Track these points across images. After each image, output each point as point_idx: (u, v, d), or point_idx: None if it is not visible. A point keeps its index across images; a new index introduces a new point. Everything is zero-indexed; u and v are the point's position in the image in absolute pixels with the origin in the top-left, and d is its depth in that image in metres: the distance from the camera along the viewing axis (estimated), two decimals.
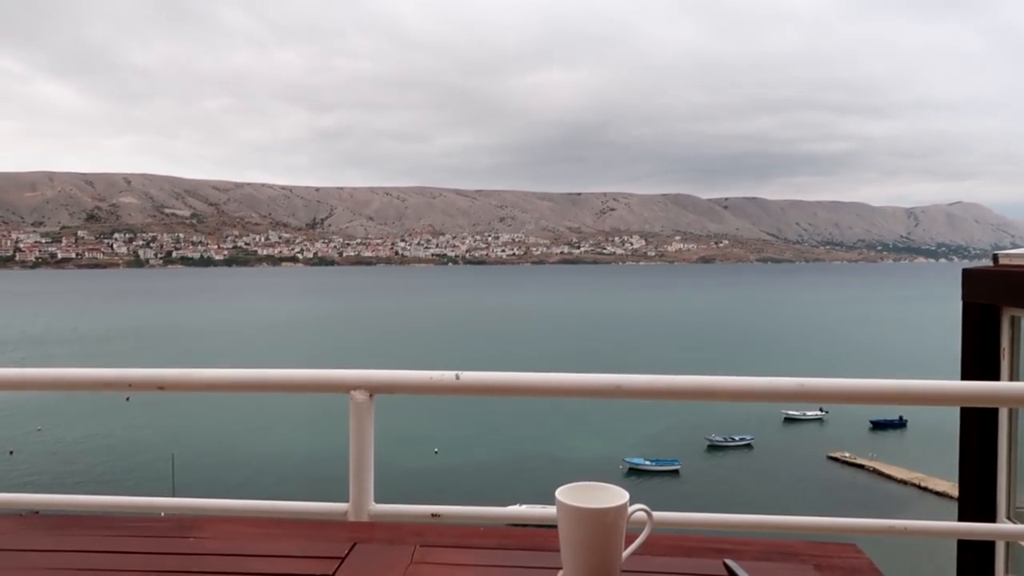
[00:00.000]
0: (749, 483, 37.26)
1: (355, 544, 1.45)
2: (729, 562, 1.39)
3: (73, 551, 1.43)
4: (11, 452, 40.20)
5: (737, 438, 44.76)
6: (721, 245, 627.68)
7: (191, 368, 2.20)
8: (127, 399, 49.13)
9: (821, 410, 50.91)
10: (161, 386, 2.17)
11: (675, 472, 39.56)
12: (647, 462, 40.08)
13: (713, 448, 43.94)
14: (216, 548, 1.44)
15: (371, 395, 2.07)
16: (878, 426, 48.26)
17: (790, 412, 50.21)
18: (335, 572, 1.33)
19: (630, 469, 39.47)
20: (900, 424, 48.28)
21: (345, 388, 2.07)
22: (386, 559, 1.39)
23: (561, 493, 1.30)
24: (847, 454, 42.28)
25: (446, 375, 2.07)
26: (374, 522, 1.99)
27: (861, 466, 40.80)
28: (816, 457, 42.35)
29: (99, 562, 1.38)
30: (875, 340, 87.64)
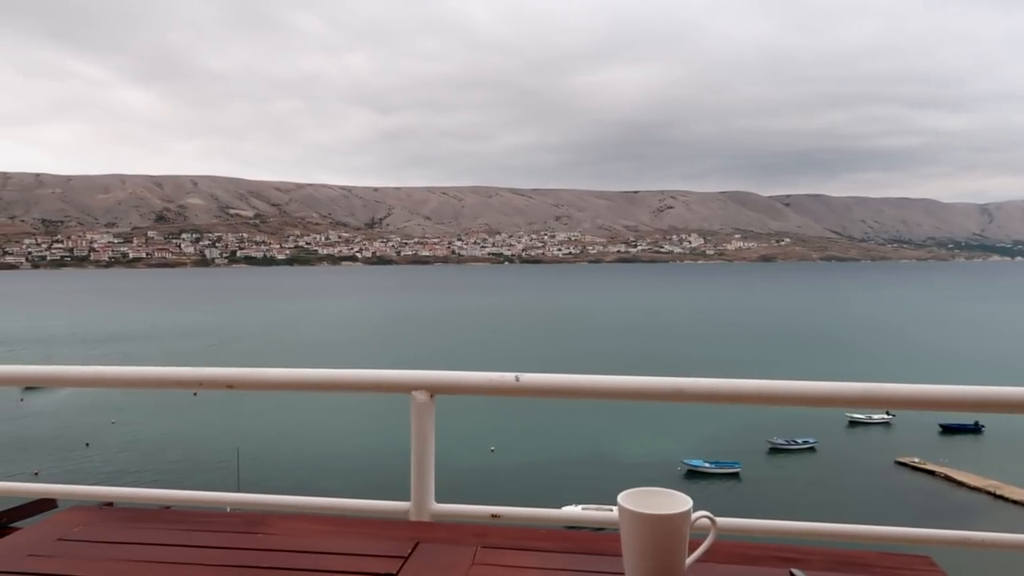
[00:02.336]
0: (812, 487, 36.35)
1: (418, 544, 1.47)
2: (796, 572, 1.36)
3: (148, 544, 1.48)
4: (87, 444, 41.94)
5: (800, 441, 43.67)
6: (782, 243, 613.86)
7: (258, 368, 2.26)
8: (195, 393, 50.78)
9: (888, 413, 49.33)
10: (230, 384, 2.24)
11: (735, 475, 38.86)
12: (707, 464, 39.45)
13: (775, 451, 42.98)
14: (284, 544, 1.48)
15: (432, 396, 2.09)
16: (948, 430, 46.48)
17: (855, 415, 48.77)
18: (399, 571, 1.35)
19: (689, 471, 38.92)
20: (975, 429, 46.36)
21: (406, 389, 2.10)
22: (448, 559, 1.41)
23: (624, 498, 1.29)
24: (916, 459, 40.83)
25: (506, 376, 2.08)
26: (435, 522, 2.02)
27: (931, 472, 39.36)
28: (883, 462, 41.03)
29: (173, 555, 1.43)
30: (948, 341, 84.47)
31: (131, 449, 41.22)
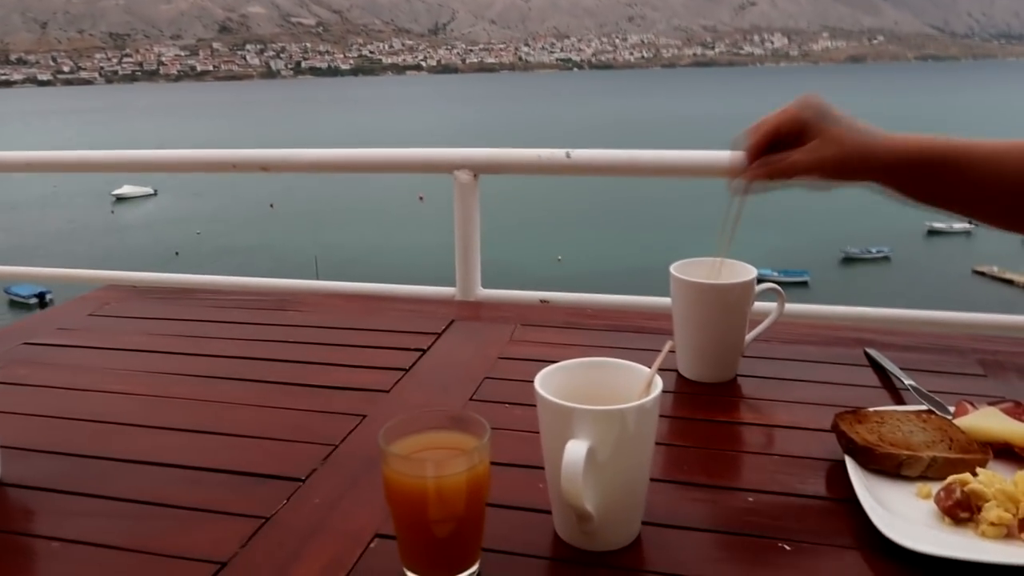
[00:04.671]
0: (884, 295, 35.91)
1: (453, 321, 1.38)
2: (871, 351, 1.20)
3: (176, 319, 1.44)
4: (176, 253, 44.38)
5: (874, 250, 42.62)
6: (875, 42, 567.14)
7: (294, 148, 2.13)
8: (271, 205, 52.49)
9: (970, 223, 47.21)
10: (264, 167, 2.13)
11: (804, 283, 38.59)
12: (774, 272, 39.13)
13: (848, 260, 42.20)
14: (314, 320, 1.42)
15: (475, 175, 1.94)
16: None
17: (935, 224, 46.92)
18: (430, 347, 1.26)
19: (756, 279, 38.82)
20: None
21: (448, 168, 1.96)
22: (484, 336, 1.31)
23: (677, 268, 1.13)
24: (995, 268, 39.62)
25: (556, 153, 1.90)
26: (479, 302, 1.94)
27: (1010, 281, 38.29)
28: (960, 271, 40.01)
29: (200, 329, 1.40)
30: None
31: (217, 258, 43.44)
